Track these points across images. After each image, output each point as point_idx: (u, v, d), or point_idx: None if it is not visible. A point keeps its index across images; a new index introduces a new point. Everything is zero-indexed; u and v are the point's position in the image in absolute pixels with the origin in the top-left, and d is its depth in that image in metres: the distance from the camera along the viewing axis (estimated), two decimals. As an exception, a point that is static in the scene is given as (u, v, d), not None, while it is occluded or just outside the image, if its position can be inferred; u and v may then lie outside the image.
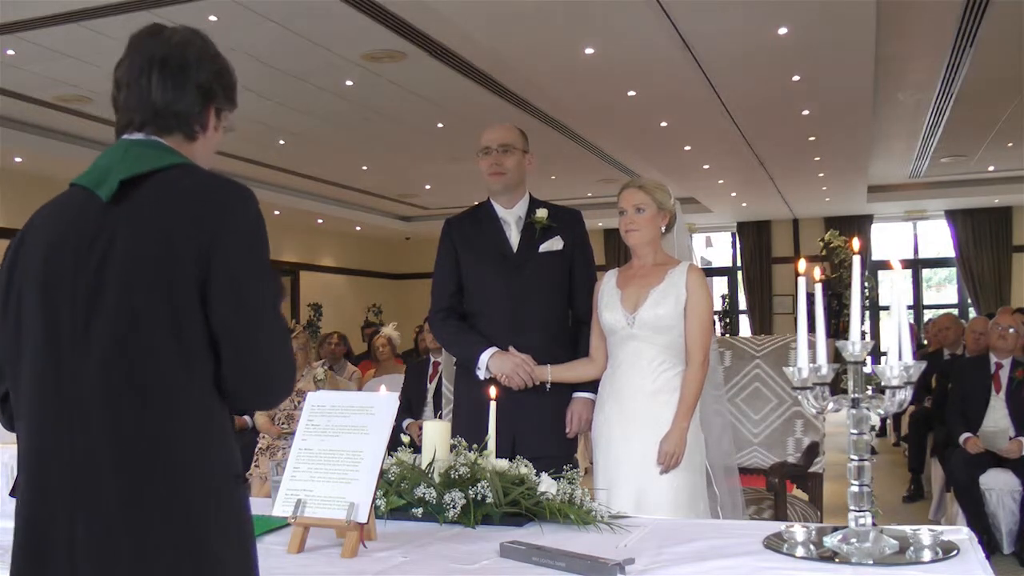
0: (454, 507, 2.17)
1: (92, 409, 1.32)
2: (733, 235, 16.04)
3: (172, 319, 1.32)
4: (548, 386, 2.96)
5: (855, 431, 1.84)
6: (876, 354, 2.09)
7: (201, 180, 1.41)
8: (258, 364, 1.38)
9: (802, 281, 1.96)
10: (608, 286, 2.96)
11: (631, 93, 7.62)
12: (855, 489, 1.83)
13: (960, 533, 1.89)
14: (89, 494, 1.32)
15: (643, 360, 2.85)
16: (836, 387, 1.99)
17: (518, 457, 2.39)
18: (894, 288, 1.91)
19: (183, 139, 1.48)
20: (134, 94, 1.46)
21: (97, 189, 1.39)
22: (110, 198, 1.38)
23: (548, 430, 3.00)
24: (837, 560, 1.76)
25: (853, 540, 1.80)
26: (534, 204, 3.14)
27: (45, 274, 1.39)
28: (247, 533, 1.42)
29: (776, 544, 1.88)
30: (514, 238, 3.10)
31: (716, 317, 14.77)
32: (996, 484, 5.03)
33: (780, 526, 1.98)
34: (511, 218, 3.12)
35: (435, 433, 2.35)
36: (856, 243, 1.96)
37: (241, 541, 1.40)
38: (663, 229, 2.96)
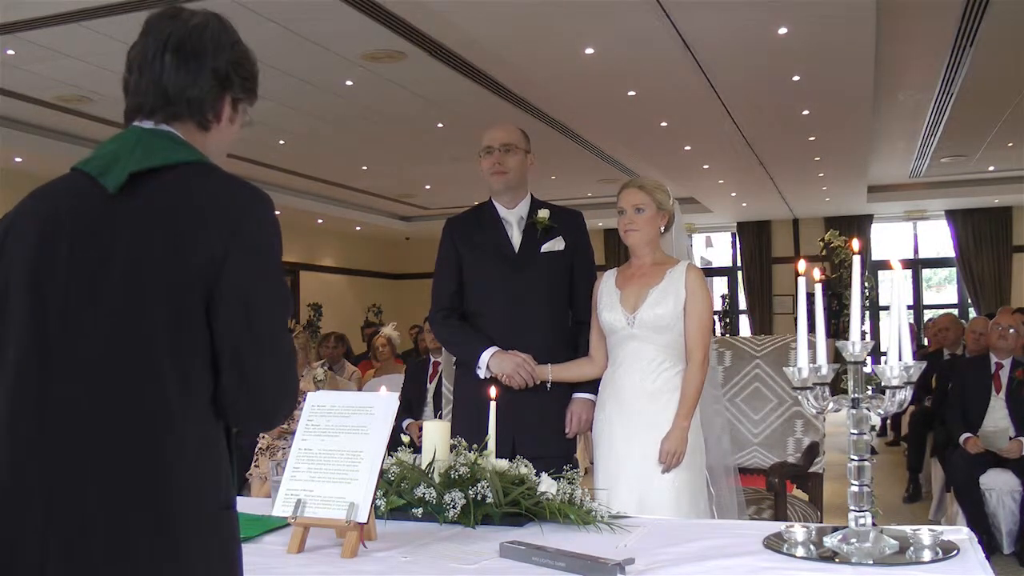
0: (454, 507, 2.17)
1: (78, 415, 1.23)
2: (733, 235, 16.04)
3: (173, 328, 1.24)
4: (549, 386, 2.97)
5: (855, 431, 1.84)
6: (876, 354, 2.09)
7: (218, 182, 1.33)
8: (262, 388, 1.30)
9: (802, 281, 1.96)
10: (607, 286, 2.96)
11: (631, 93, 7.62)
12: (855, 489, 1.83)
13: (960, 533, 1.89)
14: (65, 519, 1.21)
15: (643, 360, 2.85)
16: (836, 387, 1.99)
17: (518, 457, 2.39)
18: (894, 288, 1.91)
19: (195, 128, 1.40)
20: (146, 76, 1.37)
21: (102, 178, 1.30)
22: (117, 190, 1.29)
23: (548, 430, 3.00)
24: (837, 560, 1.76)
25: (853, 540, 1.80)
26: (536, 204, 3.14)
27: (36, 262, 1.29)
28: (234, 563, 1.33)
29: (776, 544, 1.88)
30: (516, 238, 3.10)
31: (716, 317, 14.77)
32: (996, 484, 5.03)
33: (780, 526, 1.98)
34: (513, 218, 3.12)
35: (435, 433, 2.35)
36: (856, 243, 1.96)
37: (226, 571, 1.32)
38: (662, 229, 2.96)
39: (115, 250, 1.26)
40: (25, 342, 1.27)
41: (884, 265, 13.55)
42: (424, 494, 2.20)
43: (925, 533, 1.79)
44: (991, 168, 11.74)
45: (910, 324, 9.53)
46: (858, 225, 14.32)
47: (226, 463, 1.34)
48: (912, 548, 1.77)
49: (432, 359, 5.71)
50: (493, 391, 2.52)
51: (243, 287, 1.27)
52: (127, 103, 1.40)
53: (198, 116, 1.39)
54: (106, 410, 1.23)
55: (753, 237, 15.49)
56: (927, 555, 1.74)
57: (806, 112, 8.32)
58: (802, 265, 1.98)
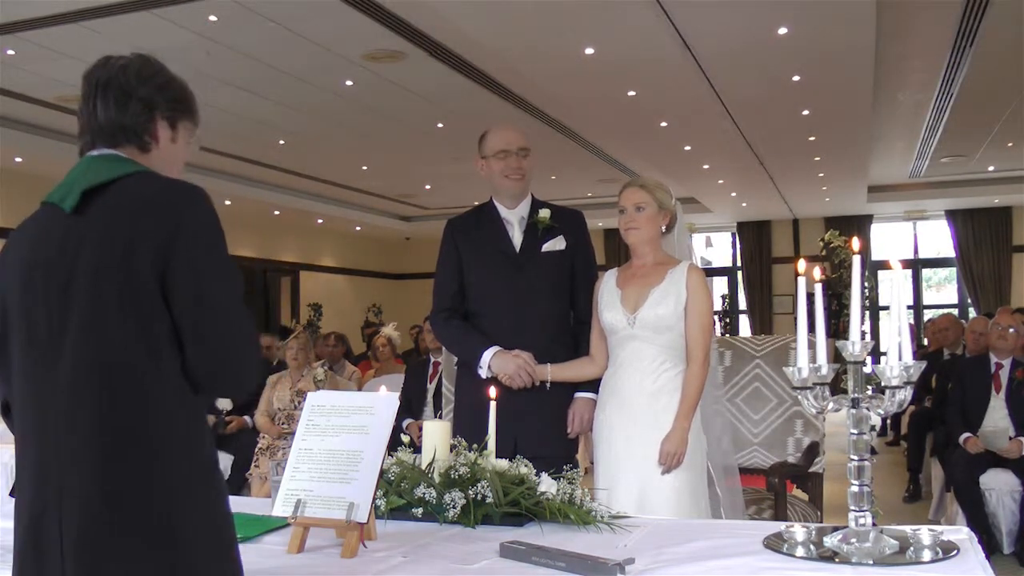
0: (454, 507, 2.17)
1: (72, 411, 1.40)
2: (733, 235, 16.04)
3: (138, 319, 1.40)
4: (548, 385, 2.96)
5: (855, 431, 1.84)
6: (876, 354, 2.09)
7: (155, 185, 1.50)
8: (220, 353, 1.46)
9: (802, 281, 1.96)
10: (608, 286, 2.96)
11: (631, 93, 7.62)
12: (855, 489, 1.83)
13: (960, 533, 1.89)
14: (73, 491, 1.39)
15: (644, 360, 2.85)
16: (836, 387, 1.99)
17: (518, 457, 2.39)
18: (894, 288, 1.91)
19: (137, 151, 1.58)
20: (84, 118, 1.59)
21: (62, 203, 1.48)
22: (72, 209, 1.47)
23: (549, 430, 3.00)
24: (837, 560, 1.76)
25: (853, 540, 1.80)
26: (536, 204, 3.14)
27: (23, 288, 1.48)
28: (223, 518, 1.47)
29: (776, 544, 1.88)
30: (517, 238, 3.10)
31: (716, 317, 14.77)
32: (996, 484, 5.03)
33: (780, 526, 1.97)
34: (514, 218, 3.12)
35: (435, 433, 2.35)
36: (856, 243, 1.96)
37: (217, 526, 1.46)
38: (663, 229, 2.96)
39: (78, 261, 1.44)
40: (24, 358, 1.47)
41: (884, 265, 13.55)
42: (424, 494, 2.20)
43: (925, 533, 1.79)
44: (991, 168, 11.74)
45: (910, 324, 9.52)
46: (858, 225, 14.32)
47: (205, 429, 1.51)
48: (912, 548, 1.77)
49: (432, 359, 5.71)
50: (493, 391, 2.52)
51: (191, 269, 1.43)
52: (79, 146, 1.61)
53: (136, 140, 1.58)
54: (94, 400, 1.40)
55: (753, 237, 15.50)
56: (927, 555, 1.74)
57: (806, 112, 8.33)
58: (802, 265, 1.98)
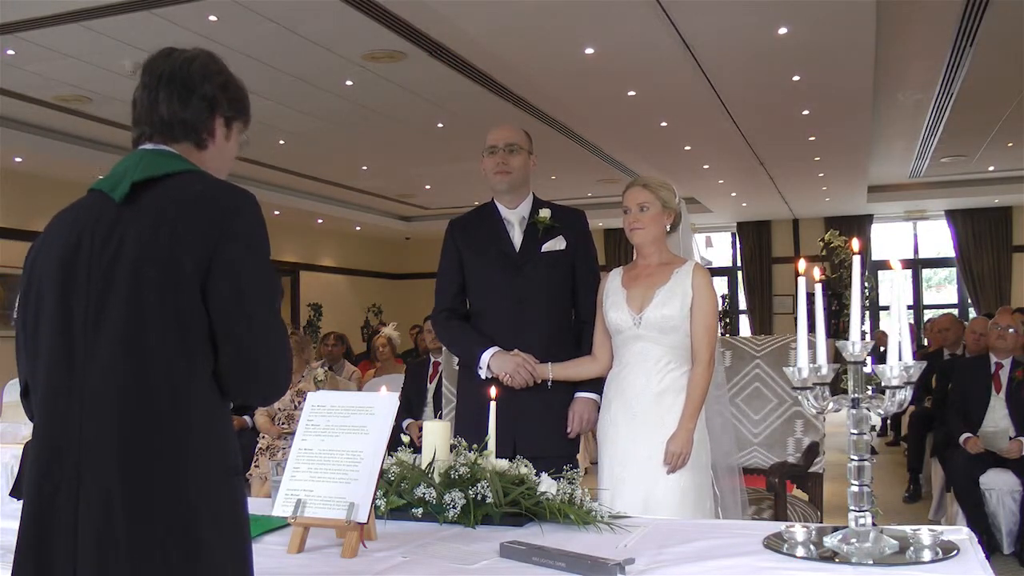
0: (454, 507, 2.17)
1: (101, 402, 1.39)
2: (733, 235, 16.04)
3: (176, 316, 1.40)
4: (549, 384, 2.96)
5: (855, 431, 1.84)
6: (876, 354, 2.09)
7: (206, 185, 1.50)
8: (255, 363, 1.46)
9: (802, 281, 1.96)
10: (613, 285, 2.95)
11: (631, 93, 7.62)
12: (855, 489, 1.83)
13: (960, 533, 1.89)
14: (93, 483, 1.38)
15: (649, 360, 2.85)
16: (836, 387, 1.99)
17: (518, 457, 2.39)
18: (894, 288, 1.91)
19: (192, 147, 1.58)
20: (145, 108, 1.57)
21: (112, 192, 1.49)
22: (122, 200, 1.47)
23: (549, 430, 3.00)
24: (837, 560, 1.76)
25: (853, 540, 1.80)
26: (537, 204, 3.15)
27: (61, 273, 1.47)
28: (242, 523, 1.48)
29: (776, 544, 1.88)
30: (517, 238, 3.10)
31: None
32: (996, 484, 5.03)
33: (780, 526, 1.98)
34: (514, 218, 3.13)
35: (435, 433, 2.35)
36: (856, 243, 1.96)
37: (235, 531, 1.46)
38: (668, 228, 2.96)
39: (123, 251, 1.43)
40: (55, 338, 1.45)
41: (884, 265, 13.56)
42: (424, 494, 2.21)
43: (925, 533, 1.79)
44: (991, 168, 11.74)
45: (910, 324, 9.53)
46: (858, 225, 14.32)
47: (231, 434, 1.51)
48: (912, 548, 1.77)
49: (432, 359, 5.71)
50: (493, 391, 2.52)
51: (234, 273, 1.43)
52: (133, 134, 1.61)
53: (193, 137, 1.58)
54: (123, 392, 1.39)
55: (753, 237, 15.49)
56: (927, 555, 1.74)
57: (806, 112, 8.32)
58: (802, 265, 1.98)
